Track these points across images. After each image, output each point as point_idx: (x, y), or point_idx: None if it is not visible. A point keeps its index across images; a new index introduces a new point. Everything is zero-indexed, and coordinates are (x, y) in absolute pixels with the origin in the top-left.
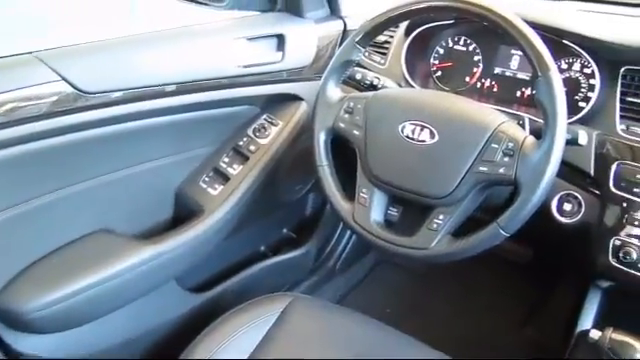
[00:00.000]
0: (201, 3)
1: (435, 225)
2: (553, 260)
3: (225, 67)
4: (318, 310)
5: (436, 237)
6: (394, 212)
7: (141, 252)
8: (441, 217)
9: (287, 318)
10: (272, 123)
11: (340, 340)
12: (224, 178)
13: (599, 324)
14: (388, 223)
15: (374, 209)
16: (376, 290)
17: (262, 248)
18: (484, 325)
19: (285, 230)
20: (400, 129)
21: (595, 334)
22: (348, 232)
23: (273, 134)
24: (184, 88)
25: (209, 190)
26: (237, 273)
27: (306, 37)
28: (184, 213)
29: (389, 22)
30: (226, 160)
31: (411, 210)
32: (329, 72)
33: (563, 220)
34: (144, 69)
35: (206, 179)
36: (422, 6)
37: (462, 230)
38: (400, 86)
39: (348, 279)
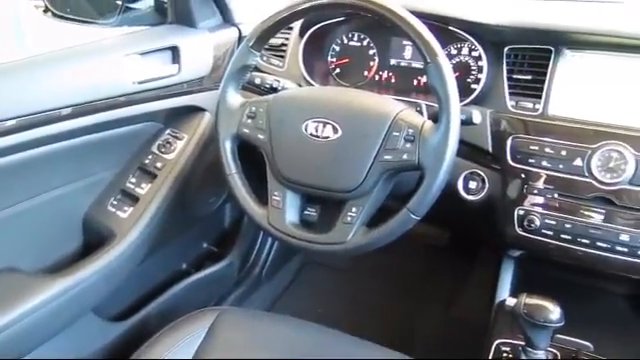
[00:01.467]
0: (88, 22)
1: (349, 218)
2: (468, 238)
3: (120, 85)
4: (248, 320)
5: (351, 230)
6: (313, 212)
7: (50, 287)
8: (354, 210)
9: (217, 332)
10: (177, 137)
11: (274, 345)
12: (133, 199)
13: (516, 292)
14: (307, 223)
15: (288, 210)
16: (306, 292)
17: (183, 266)
18: (414, 312)
19: (205, 244)
20: (304, 128)
21: (511, 302)
22: (270, 238)
23: (179, 148)
24: (80, 110)
25: (119, 213)
26: (160, 295)
27: (201, 47)
28: (95, 240)
29: (279, 24)
30: (133, 180)
31: (328, 208)
32: (227, 79)
33: (470, 198)
34: (34, 94)
35: (114, 202)
36: (307, 6)
37: (377, 220)
38: (300, 87)
39: (276, 285)
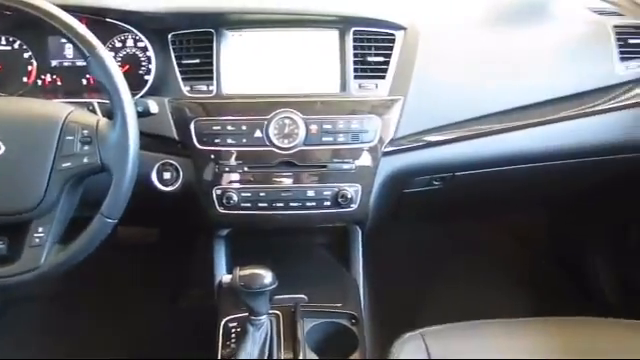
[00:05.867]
0: None
1: (37, 240)
2: (179, 229)
3: None
4: None
5: (43, 252)
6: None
7: None
8: (41, 230)
9: None
10: None
11: None
12: None
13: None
14: None
15: None
16: (12, 335)
17: None
18: (139, 319)
19: None
20: None
21: (227, 278)
22: None
23: None
24: None
25: None
26: None
27: None
28: None
29: None
30: None
31: (17, 234)
32: None
33: (167, 189)
34: None
35: None
36: None
37: (73, 233)
38: None
39: None
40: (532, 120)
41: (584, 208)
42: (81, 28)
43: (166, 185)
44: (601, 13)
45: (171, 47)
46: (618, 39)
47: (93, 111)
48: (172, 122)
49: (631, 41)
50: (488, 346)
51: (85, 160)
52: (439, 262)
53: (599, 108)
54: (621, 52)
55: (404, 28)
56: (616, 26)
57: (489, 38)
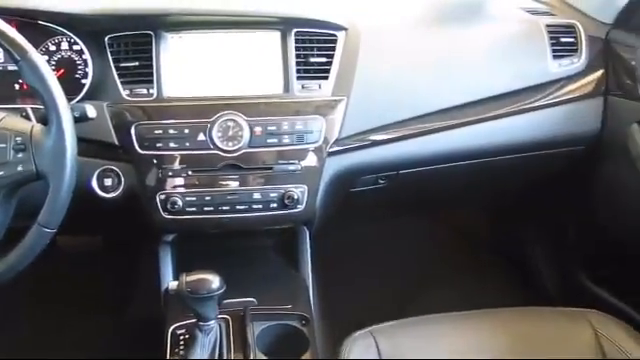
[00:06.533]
0: None
1: None
2: (122, 236)
3: None
4: None
5: None
6: None
7: None
8: None
9: None
10: None
11: None
12: None
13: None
14: None
15: None
16: None
17: None
18: (84, 330)
19: None
20: None
21: (173, 284)
22: None
23: None
24: None
25: None
26: None
27: None
28: None
29: None
30: None
31: None
32: None
33: (109, 196)
34: None
35: None
36: None
37: (9, 244)
38: None
39: None
40: (470, 118)
41: (521, 206)
42: (11, 31)
43: (107, 192)
44: (534, 13)
45: (108, 50)
46: (551, 38)
47: (27, 117)
48: (112, 127)
49: (563, 39)
50: (437, 340)
51: (19, 168)
52: (386, 260)
53: (533, 105)
54: (554, 50)
55: (345, 29)
56: (548, 25)
57: (428, 38)
